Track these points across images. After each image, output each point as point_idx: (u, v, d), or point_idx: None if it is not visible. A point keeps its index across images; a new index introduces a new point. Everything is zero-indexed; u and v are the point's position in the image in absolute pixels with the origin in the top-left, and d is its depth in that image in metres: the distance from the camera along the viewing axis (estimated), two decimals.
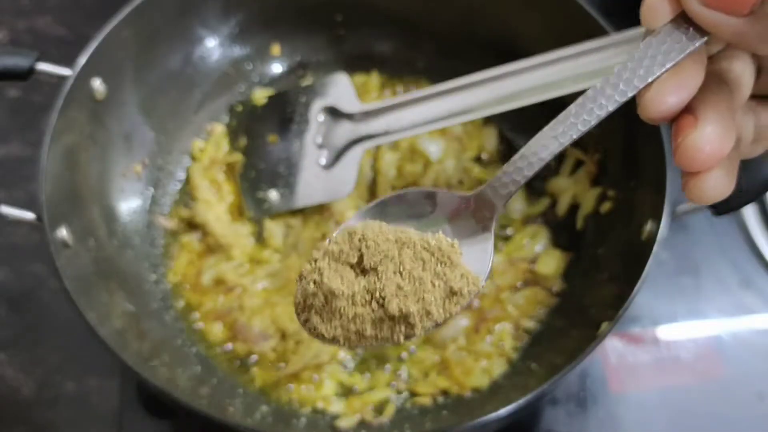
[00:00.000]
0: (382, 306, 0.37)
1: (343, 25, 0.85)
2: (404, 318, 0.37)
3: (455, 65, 0.74)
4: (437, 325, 0.37)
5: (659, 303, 0.76)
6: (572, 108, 0.34)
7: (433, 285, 0.37)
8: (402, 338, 0.37)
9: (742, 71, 0.32)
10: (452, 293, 0.37)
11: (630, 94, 0.32)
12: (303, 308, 0.39)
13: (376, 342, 0.38)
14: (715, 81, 0.31)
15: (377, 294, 0.37)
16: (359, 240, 0.37)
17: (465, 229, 0.39)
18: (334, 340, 0.39)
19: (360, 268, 0.37)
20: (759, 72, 0.33)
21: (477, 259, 0.38)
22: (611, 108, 0.33)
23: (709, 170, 0.30)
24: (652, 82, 0.31)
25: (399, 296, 0.36)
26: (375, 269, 0.37)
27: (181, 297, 0.73)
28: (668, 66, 0.30)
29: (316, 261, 0.38)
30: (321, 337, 0.39)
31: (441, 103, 0.72)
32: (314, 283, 0.38)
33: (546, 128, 0.35)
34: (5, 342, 0.74)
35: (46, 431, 0.71)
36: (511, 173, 0.36)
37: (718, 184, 0.30)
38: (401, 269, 0.37)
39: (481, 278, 0.38)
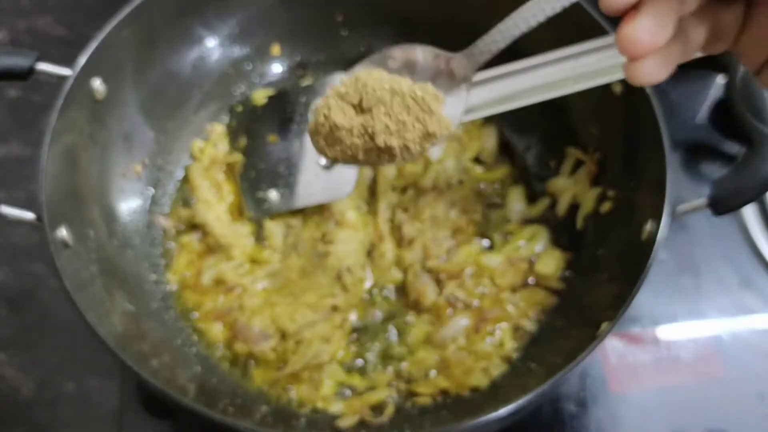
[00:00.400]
0: (372, 139, 0.47)
1: (343, 25, 0.85)
2: (388, 150, 0.47)
3: None
4: (413, 157, 0.48)
5: (659, 303, 0.76)
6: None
7: (414, 127, 0.46)
8: (385, 164, 0.49)
9: None
10: (428, 134, 0.47)
11: None
12: (315, 133, 0.50)
13: (366, 164, 0.49)
14: None
15: (370, 130, 0.46)
16: (362, 85, 0.46)
17: (443, 86, 0.49)
18: (335, 160, 0.50)
19: (360, 107, 0.47)
20: None
21: (452, 107, 0.49)
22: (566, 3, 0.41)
23: (644, 57, 0.35)
24: None
25: (386, 133, 0.46)
26: (370, 110, 0.46)
27: (181, 297, 0.73)
28: None
29: (327, 97, 0.48)
30: (325, 154, 0.50)
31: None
32: (324, 116, 0.48)
33: (516, 12, 0.44)
34: (5, 342, 0.74)
35: (46, 431, 0.71)
36: (488, 44, 0.46)
37: (652, 71, 0.35)
38: (390, 112, 0.46)
39: (453, 122, 0.48)
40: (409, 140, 0.47)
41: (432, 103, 0.46)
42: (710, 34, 0.38)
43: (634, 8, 0.34)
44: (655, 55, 0.35)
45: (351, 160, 0.49)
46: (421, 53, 0.51)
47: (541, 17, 0.42)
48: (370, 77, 0.47)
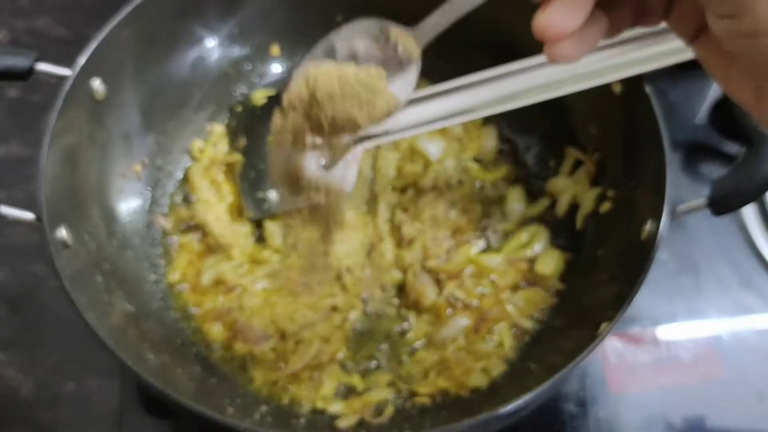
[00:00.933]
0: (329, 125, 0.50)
1: (342, 25, 0.85)
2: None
3: (455, 65, 0.74)
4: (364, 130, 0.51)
5: (659, 303, 0.76)
6: None
7: (361, 109, 0.49)
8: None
9: None
10: (376, 114, 0.50)
11: None
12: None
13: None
14: None
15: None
16: (312, 82, 0.49)
17: (391, 69, 0.51)
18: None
19: (315, 100, 0.49)
20: None
21: (402, 87, 0.51)
22: None
23: (558, 41, 0.38)
24: None
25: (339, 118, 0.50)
26: (322, 102, 0.49)
27: (180, 297, 0.73)
28: None
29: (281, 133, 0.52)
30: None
31: (441, 103, 0.72)
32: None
33: None
34: (5, 342, 0.75)
35: (46, 431, 0.71)
36: (434, 21, 0.48)
37: (567, 52, 0.38)
38: (340, 104, 0.49)
39: (402, 100, 0.50)
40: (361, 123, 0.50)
41: (377, 83, 0.49)
42: (636, 12, 0.41)
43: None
44: (571, 38, 0.38)
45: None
46: (363, 45, 0.53)
47: None
48: (319, 72, 0.50)
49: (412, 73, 0.52)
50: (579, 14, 0.37)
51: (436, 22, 0.48)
